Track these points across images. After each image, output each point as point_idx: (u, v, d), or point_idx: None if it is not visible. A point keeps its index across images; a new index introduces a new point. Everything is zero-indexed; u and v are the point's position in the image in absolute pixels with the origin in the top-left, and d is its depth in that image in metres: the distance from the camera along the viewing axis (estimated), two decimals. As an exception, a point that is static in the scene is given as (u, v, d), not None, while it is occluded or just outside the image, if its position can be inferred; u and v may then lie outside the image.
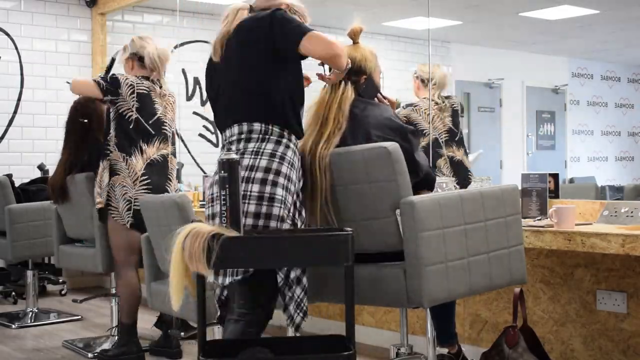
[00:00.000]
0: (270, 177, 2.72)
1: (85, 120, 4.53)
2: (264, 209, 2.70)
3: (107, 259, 4.42)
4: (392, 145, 2.72)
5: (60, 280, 6.57)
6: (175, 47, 7.10)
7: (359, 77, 3.01)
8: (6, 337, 5.08)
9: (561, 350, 3.74)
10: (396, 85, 7.10)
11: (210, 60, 3.02)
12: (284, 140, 2.80)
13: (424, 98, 4.93)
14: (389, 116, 2.97)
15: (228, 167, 2.45)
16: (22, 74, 6.87)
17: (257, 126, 2.79)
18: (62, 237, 4.79)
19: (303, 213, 2.86)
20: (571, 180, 8.19)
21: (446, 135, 4.91)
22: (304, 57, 2.80)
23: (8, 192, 5.44)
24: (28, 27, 6.88)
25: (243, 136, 2.81)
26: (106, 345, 4.62)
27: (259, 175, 2.72)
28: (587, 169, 8.85)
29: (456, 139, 4.93)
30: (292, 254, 2.40)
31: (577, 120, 8.97)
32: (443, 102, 4.95)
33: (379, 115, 2.96)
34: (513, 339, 3.21)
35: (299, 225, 2.81)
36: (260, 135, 2.79)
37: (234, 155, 2.49)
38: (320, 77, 3.00)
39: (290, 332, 3.91)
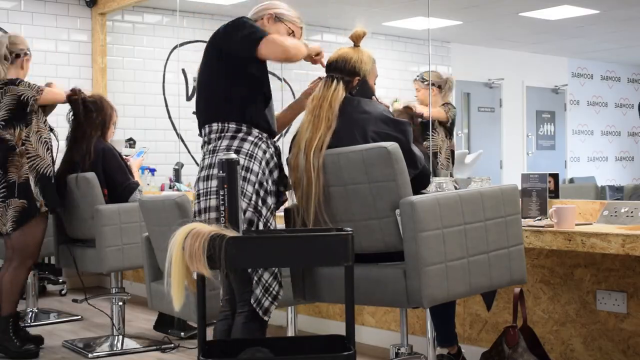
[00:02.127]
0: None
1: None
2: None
3: (109, 259, 4.43)
4: (392, 145, 2.73)
5: (60, 280, 6.57)
6: (175, 47, 7.11)
7: (352, 78, 3.01)
8: (6, 337, 5.06)
9: (561, 350, 3.74)
10: (397, 85, 7.11)
11: None
12: (240, 135, 2.95)
13: None
14: (382, 111, 2.99)
15: (227, 167, 2.47)
16: (22, 74, 6.87)
17: (215, 126, 2.98)
18: (62, 237, 4.79)
19: (269, 200, 2.95)
20: (571, 180, 8.20)
21: None
22: (264, 60, 2.98)
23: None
24: (28, 27, 6.87)
25: (206, 138, 3.01)
26: (106, 346, 4.62)
27: (215, 171, 2.82)
28: (587, 169, 8.86)
29: None
30: (292, 254, 2.41)
31: (577, 120, 8.98)
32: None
33: (373, 110, 2.97)
34: (513, 339, 3.21)
35: (263, 213, 2.90)
36: (217, 134, 2.97)
37: (233, 155, 2.52)
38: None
39: (290, 332, 3.92)
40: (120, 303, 4.70)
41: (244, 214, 2.82)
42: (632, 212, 3.42)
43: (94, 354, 4.52)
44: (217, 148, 2.93)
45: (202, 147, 3.04)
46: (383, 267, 2.81)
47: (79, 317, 5.56)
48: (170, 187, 6.23)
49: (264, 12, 3.11)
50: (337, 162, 2.83)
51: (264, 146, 2.97)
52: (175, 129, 7.30)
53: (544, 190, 3.69)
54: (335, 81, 3.00)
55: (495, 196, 2.91)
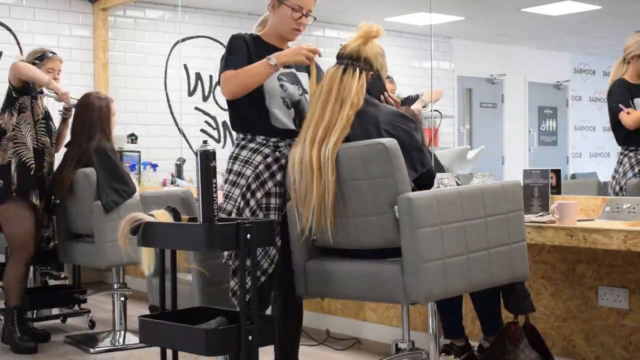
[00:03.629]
0: (227, 175, 3.14)
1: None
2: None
3: (108, 254, 4.43)
4: (390, 142, 2.72)
5: (62, 276, 6.57)
6: (177, 42, 7.11)
7: (367, 73, 2.98)
8: (8, 332, 5.07)
9: (563, 346, 3.74)
10: (400, 81, 7.10)
11: None
12: (242, 142, 3.15)
13: None
14: (392, 107, 3.03)
15: (203, 158, 2.66)
16: (24, 70, 6.86)
17: (234, 135, 3.23)
18: (66, 232, 4.80)
19: (251, 202, 3.07)
20: (573, 176, 8.19)
21: None
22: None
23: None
24: (30, 23, 6.87)
25: None
26: (107, 341, 4.63)
27: (231, 176, 3.14)
28: (589, 164, 8.85)
29: None
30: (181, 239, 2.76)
31: (579, 116, 8.97)
32: None
33: (382, 105, 3.01)
34: (515, 335, 3.21)
35: (245, 214, 3.04)
36: (234, 142, 3.22)
37: (208, 147, 2.68)
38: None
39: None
40: (122, 298, 4.71)
41: (238, 214, 3.05)
42: (634, 208, 3.42)
43: (96, 349, 4.52)
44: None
45: None
46: (381, 263, 2.80)
47: (81, 312, 5.56)
48: (172, 183, 6.24)
49: (268, 1, 3.17)
50: (336, 157, 2.83)
51: (267, 151, 3.11)
52: (177, 125, 7.30)
53: (546, 186, 3.69)
54: (357, 70, 2.94)
55: (496, 192, 2.90)
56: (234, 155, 3.15)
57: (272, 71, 3.02)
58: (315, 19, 3.18)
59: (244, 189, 3.07)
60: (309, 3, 3.13)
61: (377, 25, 3.01)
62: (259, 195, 3.08)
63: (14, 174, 4.50)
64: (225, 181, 3.14)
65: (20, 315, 4.53)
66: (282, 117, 3.12)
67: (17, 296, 4.53)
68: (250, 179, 3.08)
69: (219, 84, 3.10)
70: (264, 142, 3.12)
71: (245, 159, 3.11)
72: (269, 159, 3.11)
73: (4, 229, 4.61)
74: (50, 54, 4.80)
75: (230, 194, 3.10)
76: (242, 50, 3.09)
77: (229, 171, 3.13)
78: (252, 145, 3.13)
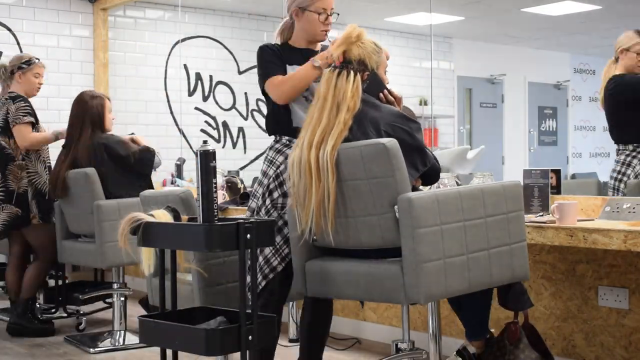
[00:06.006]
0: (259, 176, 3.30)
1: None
2: None
3: (107, 254, 4.43)
4: (390, 142, 2.72)
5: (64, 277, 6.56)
6: (177, 42, 7.11)
7: (362, 73, 2.96)
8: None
9: (563, 346, 3.74)
10: (399, 81, 7.11)
11: None
12: (272, 143, 3.28)
13: None
14: (392, 107, 3.00)
15: (203, 158, 2.67)
16: (23, 70, 6.86)
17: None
18: (65, 232, 4.80)
19: (267, 201, 3.17)
20: (573, 176, 8.19)
21: None
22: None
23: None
24: (30, 23, 6.87)
25: None
26: (107, 341, 4.63)
27: (262, 178, 3.27)
28: (589, 164, 8.85)
29: None
30: (181, 239, 2.76)
31: (579, 116, 8.98)
32: None
33: (383, 105, 2.99)
34: (514, 334, 3.21)
35: (261, 213, 3.18)
36: None
37: (208, 147, 2.70)
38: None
39: (291, 327, 3.90)
40: (122, 298, 4.71)
41: (257, 213, 3.20)
42: (634, 208, 3.42)
43: (96, 349, 4.52)
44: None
45: None
46: (381, 263, 2.80)
47: (81, 312, 5.55)
48: (172, 183, 6.24)
49: (290, 8, 3.25)
50: (336, 158, 2.83)
51: (288, 151, 3.12)
52: (177, 125, 7.30)
53: (546, 186, 3.69)
54: (351, 73, 2.93)
55: (496, 193, 2.90)
56: (264, 155, 3.29)
57: (318, 73, 3.07)
58: (338, 14, 3.30)
59: (265, 188, 3.21)
60: (330, 2, 3.26)
61: (359, 28, 3.01)
62: (275, 194, 3.17)
63: (32, 202, 4.83)
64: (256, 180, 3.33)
65: (32, 305, 4.96)
66: (304, 114, 3.09)
67: (33, 290, 4.94)
68: (271, 178, 3.20)
69: (266, 91, 3.19)
70: (288, 142, 3.20)
71: (270, 159, 3.24)
72: (280, 158, 3.21)
73: (31, 241, 4.96)
74: (37, 60, 5.01)
75: (255, 193, 3.26)
76: (275, 58, 3.20)
77: (261, 171, 3.28)
78: (277, 146, 3.24)
